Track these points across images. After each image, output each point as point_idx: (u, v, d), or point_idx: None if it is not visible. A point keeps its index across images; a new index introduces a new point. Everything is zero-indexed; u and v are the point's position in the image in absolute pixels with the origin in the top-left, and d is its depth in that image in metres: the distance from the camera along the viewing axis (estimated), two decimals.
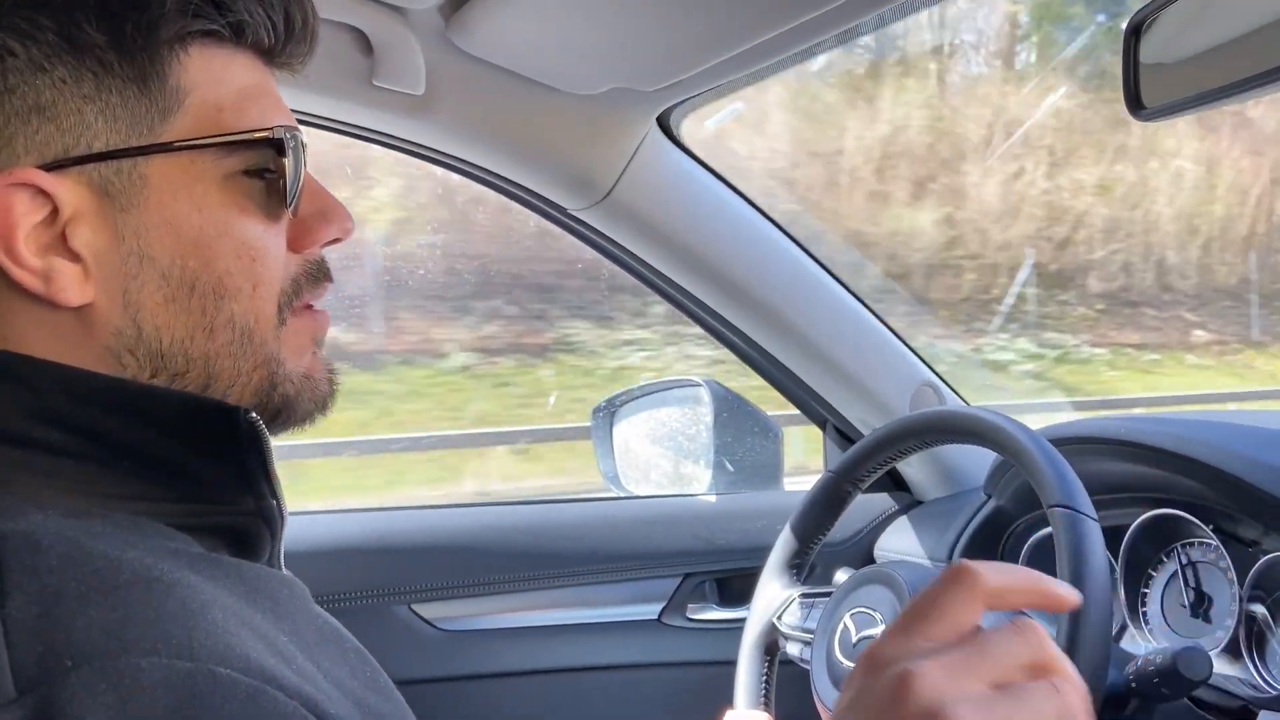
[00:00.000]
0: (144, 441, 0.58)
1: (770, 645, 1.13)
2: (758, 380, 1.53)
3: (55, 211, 0.56)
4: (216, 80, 0.60)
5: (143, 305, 0.58)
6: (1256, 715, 0.98)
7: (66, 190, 0.56)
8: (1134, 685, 0.82)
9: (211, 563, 0.56)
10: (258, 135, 0.61)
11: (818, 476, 1.16)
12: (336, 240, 0.67)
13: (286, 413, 0.64)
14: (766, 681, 1.12)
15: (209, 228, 0.59)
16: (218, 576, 0.54)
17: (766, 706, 1.11)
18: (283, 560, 0.66)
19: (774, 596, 1.13)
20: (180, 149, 0.59)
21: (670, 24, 1.01)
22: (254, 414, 0.61)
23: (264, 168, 0.61)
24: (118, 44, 0.57)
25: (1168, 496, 1.11)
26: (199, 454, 0.59)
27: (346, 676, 0.57)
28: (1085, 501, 0.85)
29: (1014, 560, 1.31)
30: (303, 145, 0.64)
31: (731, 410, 1.54)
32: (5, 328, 0.57)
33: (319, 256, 0.67)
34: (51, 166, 0.56)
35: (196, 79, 0.60)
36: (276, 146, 0.61)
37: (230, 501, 0.61)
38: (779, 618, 1.11)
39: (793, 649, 1.10)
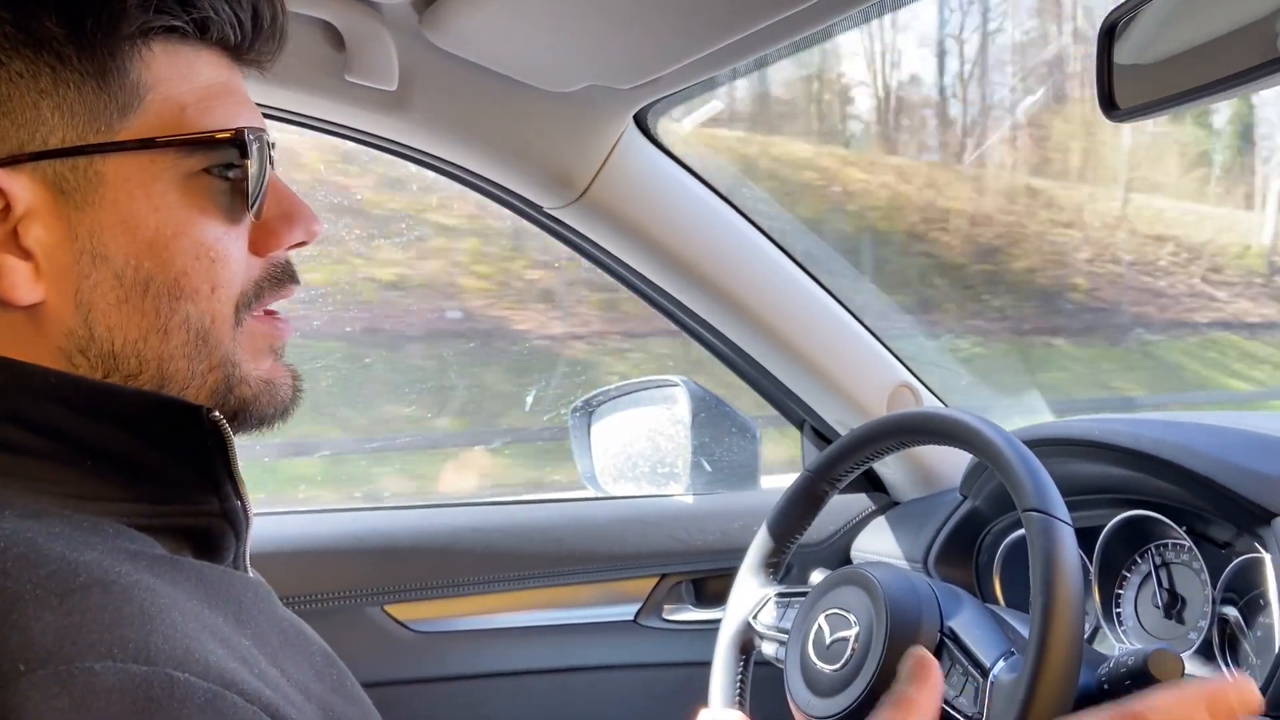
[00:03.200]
0: (106, 440, 0.57)
1: (745, 644, 1.12)
2: None
3: (8, 208, 0.55)
4: (180, 78, 0.59)
5: (95, 305, 0.57)
6: None
7: (20, 186, 0.55)
8: (1106, 686, 0.82)
9: (173, 565, 0.55)
10: (220, 135, 0.60)
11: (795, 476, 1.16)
12: (302, 243, 0.66)
13: (243, 415, 0.63)
14: (741, 681, 1.11)
15: (166, 228, 0.58)
16: (178, 580, 0.54)
17: (741, 706, 1.10)
18: (248, 561, 0.65)
19: (750, 595, 1.13)
20: (139, 147, 0.58)
21: (646, 21, 1.01)
22: (217, 412, 0.60)
23: (227, 168, 0.60)
24: (77, 38, 0.56)
25: (1142, 498, 1.12)
26: (162, 453, 0.58)
27: (311, 680, 0.56)
28: (1059, 505, 0.85)
29: (989, 561, 1.31)
30: (269, 146, 0.63)
31: (709, 410, 1.54)
32: None
33: (284, 259, 0.66)
34: (5, 162, 0.55)
35: (159, 76, 0.59)
36: (239, 147, 0.60)
37: (194, 502, 0.60)
38: (754, 617, 1.11)
39: (768, 648, 1.09)
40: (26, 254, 0.56)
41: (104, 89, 0.57)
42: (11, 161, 0.55)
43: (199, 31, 0.60)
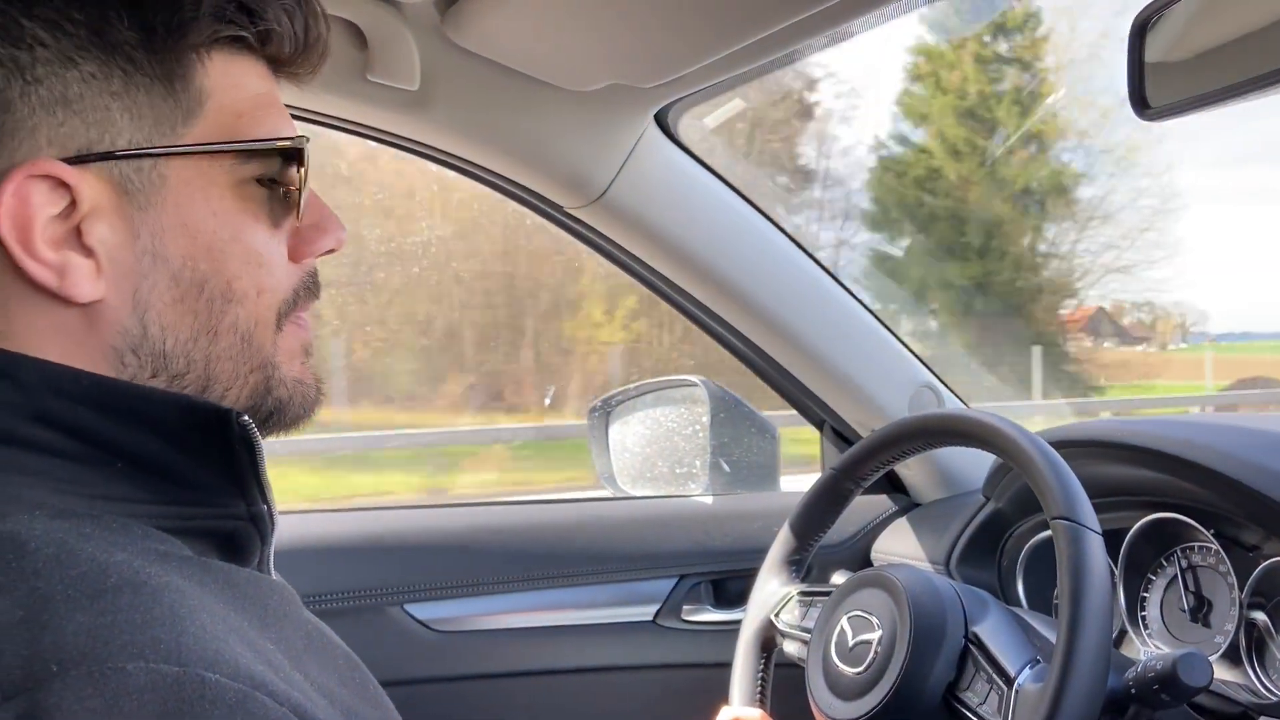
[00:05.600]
0: (135, 443, 0.57)
1: (767, 642, 1.12)
2: None
3: (73, 205, 0.56)
4: (235, 86, 0.61)
5: (151, 305, 0.58)
6: None
7: (87, 184, 0.56)
8: (1134, 691, 0.81)
9: (200, 567, 0.55)
10: (278, 145, 0.62)
11: (816, 475, 1.16)
12: (331, 251, 0.67)
13: (278, 416, 0.65)
14: (763, 678, 1.11)
15: (222, 231, 0.60)
16: (206, 582, 0.54)
17: (762, 704, 1.10)
18: (272, 564, 0.66)
19: (772, 593, 1.12)
20: (201, 152, 0.59)
21: (668, 20, 1.00)
22: (246, 417, 0.60)
23: (274, 176, 0.62)
24: (148, 43, 0.57)
25: (1168, 500, 1.11)
26: (191, 457, 0.59)
27: (335, 684, 0.56)
28: (1088, 514, 0.84)
29: (1012, 564, 1.30)
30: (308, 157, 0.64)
31: (728, 410, 1.54)
32: (8, 322, 0.57)
33: (313, 268, 0.67)
34: (74, 160, 0.56)
35: (217, 84, 0.60)
36: (292, 157, 0.62)
37: (221, 505, 0.61)
38: (777, 615, 1.11)
39: (790, 647, 1.09)
40: (88, 252, 0.57)
41: (171, 94, 0.58)
42: (80, 160, 0.56)
43: (260, 43, 0.62)
